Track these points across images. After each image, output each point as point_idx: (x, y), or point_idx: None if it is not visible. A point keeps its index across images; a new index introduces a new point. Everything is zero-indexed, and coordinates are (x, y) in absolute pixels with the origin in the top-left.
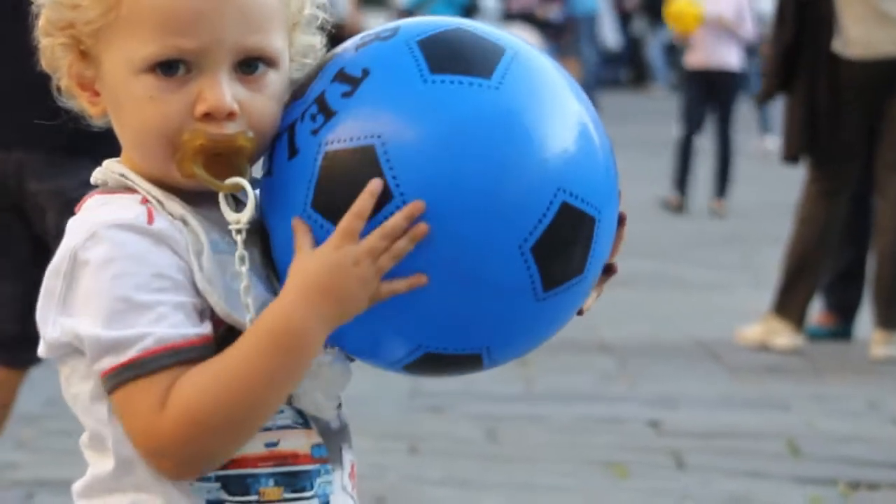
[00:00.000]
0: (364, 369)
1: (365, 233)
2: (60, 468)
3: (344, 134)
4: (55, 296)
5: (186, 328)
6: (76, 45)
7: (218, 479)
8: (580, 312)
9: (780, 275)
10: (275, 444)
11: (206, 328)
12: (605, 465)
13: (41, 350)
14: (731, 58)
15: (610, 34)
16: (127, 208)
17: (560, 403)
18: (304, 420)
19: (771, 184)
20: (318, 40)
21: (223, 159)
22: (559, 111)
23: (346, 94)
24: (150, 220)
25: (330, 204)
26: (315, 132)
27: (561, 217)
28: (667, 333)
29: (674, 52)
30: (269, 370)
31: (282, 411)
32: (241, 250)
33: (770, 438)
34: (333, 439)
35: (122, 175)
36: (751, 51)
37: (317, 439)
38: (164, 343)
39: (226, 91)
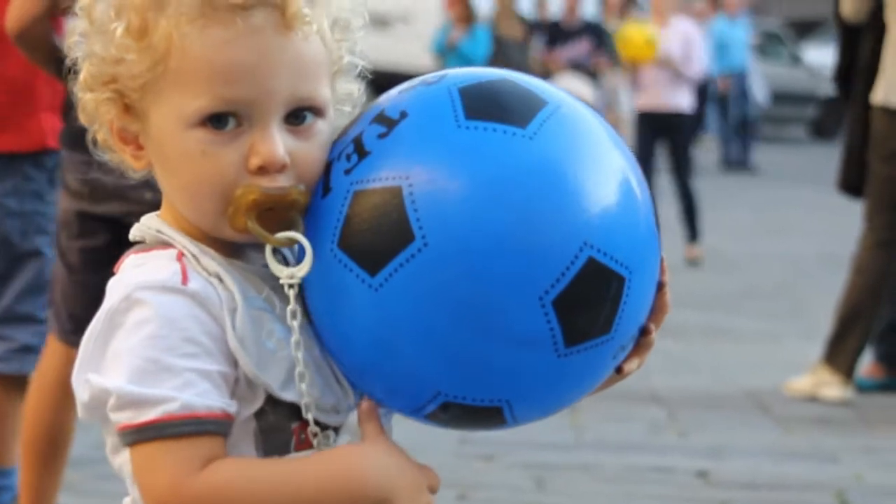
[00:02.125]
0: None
1: (389, 279)
2: None
3: (374, 174)
4: (87, 356)
5: (212, 399)
6: (120, 100)
7: None
8: (619, 371)
9: (831, 325)
10: None
11: (232, 405)
12: None
13: (80, 413)
14: (681, 99)
15: (759, 91)
16: (161, 268)
17: (610, 452)
18: None
19: (823, 235)
20: (357, 88)
21: (275, 213)
22: (595, 166)
23: (381, 136)
24: (185, 280)
25: (356, 243)
26: (348, 172)
27: (586, 272)
28: (717, 384)
29: (726, 102)
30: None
31: None
32: (293, 304)
33: (819, 490)
34: None
35: (159, 231)
36: (703, 90)
37: None
38: (188, 411)
39: (278, 143)
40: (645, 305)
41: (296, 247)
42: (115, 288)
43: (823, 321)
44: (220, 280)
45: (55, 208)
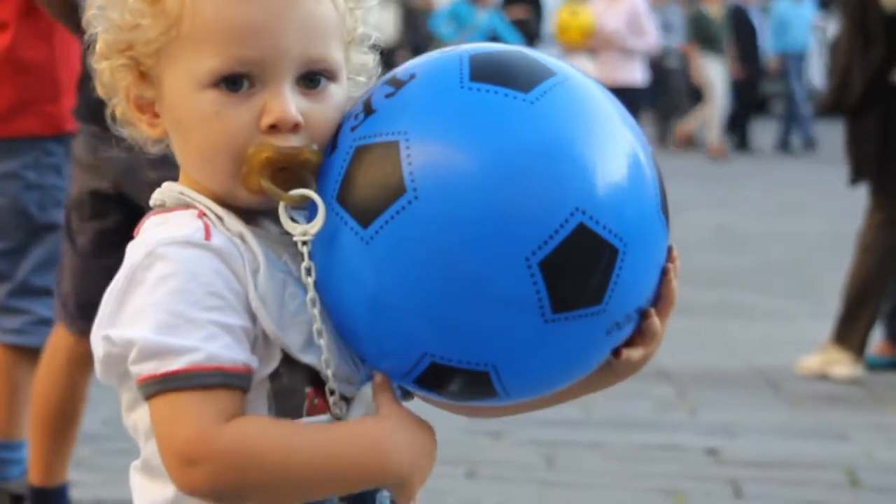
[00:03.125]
0: None
1: (379, 231)
2: (119, 487)
3: (376, 130)
4: (107, 312)
5: (236, 353)
6: (135, 67)
7: None
8: (617, 355)
9: (840, 304)
10: None
11: (254, 360)
12: (662, 492)
13: (97, 372)
14: (632, 73)
15: (818, 73)
16: (184, 225)
17: (618, 431)
18: None
19: (833, 213)
20: (372, 59)
21: (288, 173)
22: (598, 138)
23: (388, 95)
24: (208, 235)
25: (352, 197)
26: (353, 129)
27: (575, 238)
28: (726, 362)
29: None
30: (333, 471)
31: None
32: (308, 261)
33: (829, 468)
34: None
35: (182, 193)
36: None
37: None
38: (214, 362)
39: (290, 102)
40: (644, 284)
41: (306, 209)
42: (137, 246)
43: (835, 300)
44: (243, 240)
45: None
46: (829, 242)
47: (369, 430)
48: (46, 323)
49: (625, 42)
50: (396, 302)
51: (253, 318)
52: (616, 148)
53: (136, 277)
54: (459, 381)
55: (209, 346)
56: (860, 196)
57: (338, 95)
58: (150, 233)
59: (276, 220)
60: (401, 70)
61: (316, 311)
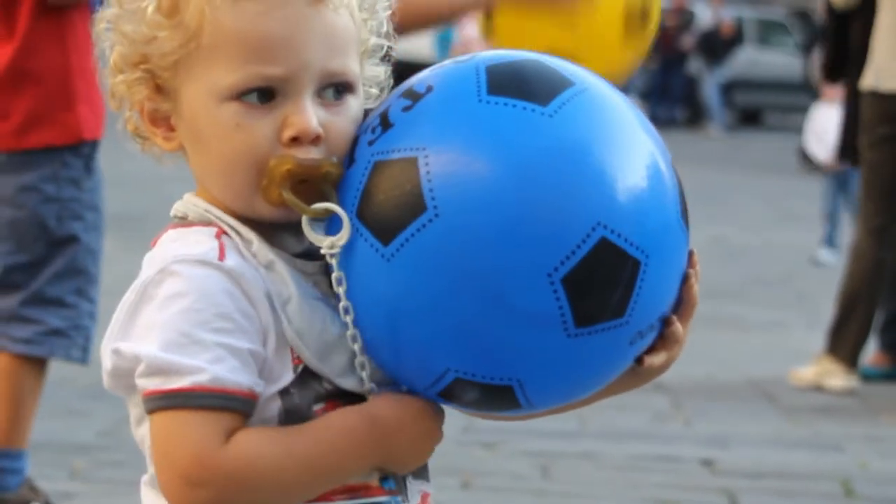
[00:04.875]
0: None
1: (400, 249)
2: (114, 499)
3: (394, 145)
4: (118, 325)
5: (242, 376)
6: (151, 80)
7: None
8: (640, 362)
9: (833, 313)
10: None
11: (259, 384)
12: (658, 503)
13: (105, 383)
14: None
15: None
16: (199, 244)
17: (614, 441)
18: None
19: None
20: (384, 71)
21: (308, 185)
22: (618, 148)
23: (406, 109)
24: (222, 255)
25: (372, 213)
26: (371, 143)
27: (597, 252)
28: (721, 373)
29: (730, 91)
30: (328, 472)
31: None
32: (337, 271)
33: (824, 479)
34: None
35: (207, 211)
36: None
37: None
38: (218, 384)
39: (312, 115)
40: (665, 293)
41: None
42: (152, 260)
43: (829, 311)
44: (272, 269)
45: (91, 195)
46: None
47: (365, 424)
48: (57, 333)
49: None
50: (418, 318)
51: (263, 340)
52: (637, 157)
53: (148, 293)
54: (483, 394)
55: (214, 368)
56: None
57: (355, 107)
58: (165, 248)
59: (296, 234)
60: (417, 81)
61: (349, 320)
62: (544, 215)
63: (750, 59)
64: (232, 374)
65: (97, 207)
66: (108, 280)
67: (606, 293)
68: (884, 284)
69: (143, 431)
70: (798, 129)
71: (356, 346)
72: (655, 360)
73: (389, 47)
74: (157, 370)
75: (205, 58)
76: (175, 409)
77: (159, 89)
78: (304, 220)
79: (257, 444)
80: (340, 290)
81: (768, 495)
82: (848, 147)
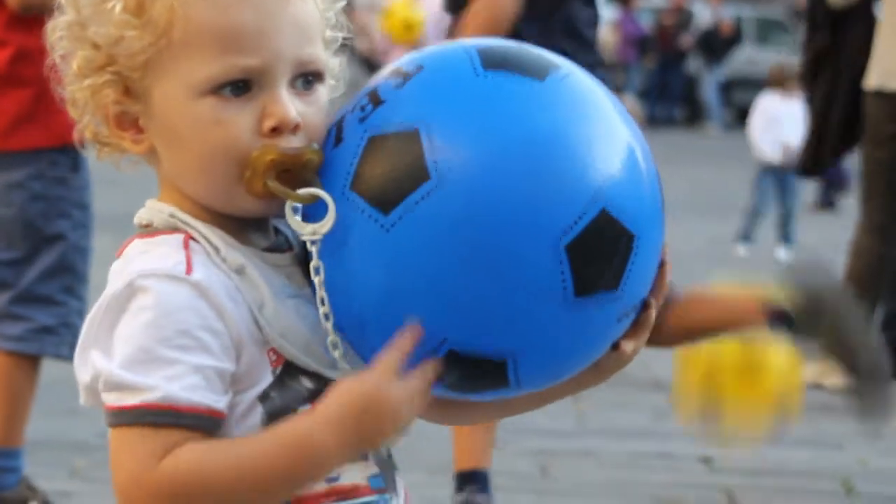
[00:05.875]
0: None
1: (402, 217)
2: (113, 499)
3: (389, 119)
4: (87, 340)
5: (199, 395)
6: (120, 82)
7: None
8: (616, 348)
9: None
10: (335, 480)
11: (220, 402)
12: (657, 501)
13: (82, 399)
14: None
15: None
16: (166, 257)
17: (613, 439)
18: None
19: (828, 222)
20: (339, 62)
21: (291, 174)
22: (608, 129)
23: (397, 86)
24: (189, 269)
25: (369, 185)
26: (362, 119)
27: (599, 222)
28: None
29: (729, 90)
30: (274, 476)
31: None
32: (316, 260)
33: (823, 477)
34: (387, 467)
35: (172, 215)
36: None
37: (373, 469)
38: (167, 402)
39: (290, 104)
40: (649, 274)
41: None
42: (119, 273)
43: None
44: (242, 273)
45: (79, 193)
46: (825, 252)
47: (304, 416)
48: (47, 331)
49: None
50: (418, 288)
51: (237, 352)
52: (623, 141)
53: (112, 306)
54: (474, 370)
55: (168, 387)
56: (855, 202)
57: (324, 96)
58: (132, 262)
59: (262, 230)
60: (404, 62)
61: (325, 310)
62: (549, 185)
63: (749, 58)
64: (186, 393)
65: (85, 205)
66: (102, 279)
67: (604, 263)
68: (884, 283)
69: None
70: None
71: (328, 325)
72: (629, 346)
73: (345, 39)
74: (114, 386)
75: (176, 54)
76: (124, 426)
77: (128, 91)
78: (288, 208)
79: (198, 457)
80: (317, 280)
81: (768, 493)
82: (813, 154)
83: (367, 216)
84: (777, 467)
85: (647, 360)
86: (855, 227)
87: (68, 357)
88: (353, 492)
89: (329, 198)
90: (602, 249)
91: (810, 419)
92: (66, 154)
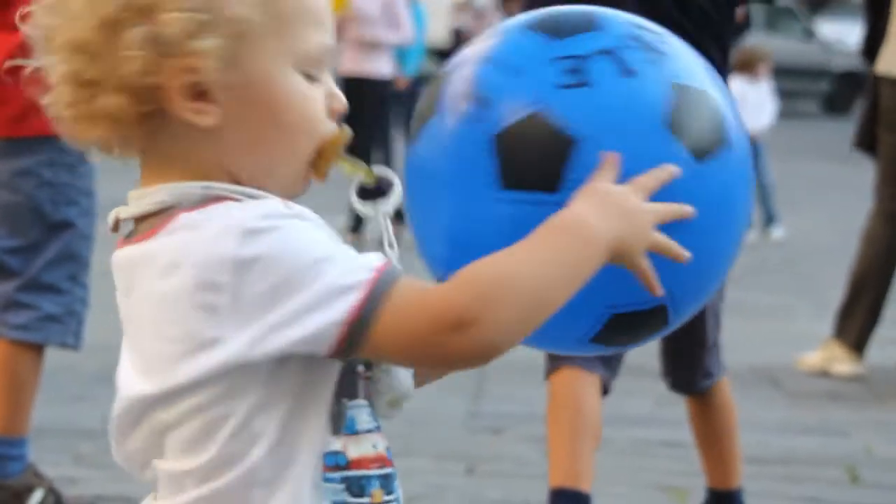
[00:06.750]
0: (421, 391)
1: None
2: (119, 484)
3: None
4: (211, 313)
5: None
6: (215, 51)
7: (343, 480)
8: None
9: (842, 297)
10: (375, 447)
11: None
12: (662, 488)
13: (154, 395)
14: (379, 65)
15: None
16: (258, 204)
17: (618, 426)
18: (378, 424)
19: (835, 209)
20: None
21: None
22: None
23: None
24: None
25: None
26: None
27: None
28: (727, 358)
29: None
30: (555, 253)
31: (370, 413)
32: (391, 235)
33: (829, 465)
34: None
35: (207, 187)
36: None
37: (387, 442)
38: (381, 268)
39: None
40: None
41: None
42: (212, 237)
43: (835, 296)
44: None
45: (86, 180)
46: (830, 238)
47: (562, 215)
48: (52, 319)
49: (376, 32)
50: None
51: None
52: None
53: (244, 257)
54: (637, 326)
55: (369, 261)
56: (863, 190)
57: None
58: (219, 219)
59: None
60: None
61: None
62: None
63: (758, 45)
64: (371, 259)
65: (91, 193)
66: (105, 264)
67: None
68: (894, 270)
69: (196, 425)
70: (805, 115)
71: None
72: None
73: None
74: (338, 291)
75: (279, 28)
76: (380, 307)
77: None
78: (354, 187)
79: (473, 267)
80: (392, 254)
81: (774, 481)
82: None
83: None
84: (783, 455)
85: (653, 349)
86: (868, 214)
87: (73, 346)
88: (385, 461)
89: (395, 177)
90: None
91: (817, 407)
92: None
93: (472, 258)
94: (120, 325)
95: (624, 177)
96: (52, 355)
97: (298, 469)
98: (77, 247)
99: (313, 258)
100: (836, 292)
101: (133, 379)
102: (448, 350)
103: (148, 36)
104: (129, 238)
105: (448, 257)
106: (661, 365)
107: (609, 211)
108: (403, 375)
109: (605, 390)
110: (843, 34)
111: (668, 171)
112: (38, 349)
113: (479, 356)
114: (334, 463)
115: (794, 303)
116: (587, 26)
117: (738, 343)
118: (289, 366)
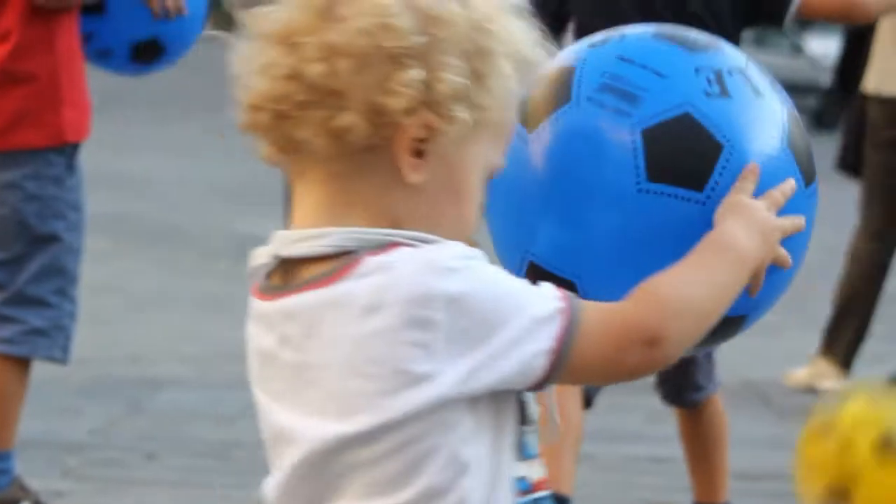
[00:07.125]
0: None
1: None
2: (105, 497)
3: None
4: (423, 349)
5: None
6: (455, 121)
7: (533, 503)
8: None
9: (829, 315)
10: (541, 469)
11: None
12: None
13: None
14: None
15: None
16: (446, 245)
17: (608, 442)
18: None
19: (823, 226)
20: None
21: None
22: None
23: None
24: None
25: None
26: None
27: None
28: None
29: None
30: (720, 274)
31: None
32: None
33: None
34: None
35: (388, 235)
36: None
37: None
38: (562, 296)
39: None
40: None
41: None
42: (408, 278)
43: (823, 312)
44: None
45: (74, 194)
46: (818, 255)
47: (719, 235)
48: (39, 333)
49: None
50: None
51: None
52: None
53: (450, 294)
54: (719, 331)
55: (551, 291)
56: (849, 207)
57: None
58: (414, 260)
59: None
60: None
61: None
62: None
63: None
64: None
65: (79, 207)
66: (95, 278)
67: None
68: (881, 288)
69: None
70: None
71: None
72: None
73: None
74: (543, 321)
75: (493, 129)
76: (577, 330)
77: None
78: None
79: (651, 284)
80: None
81: (762, 497)
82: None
83: (679, 199)
84: (771, 471)
85: None
86: (854, 232)
87: (61, 360)
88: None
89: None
90: None
91: (805, 423)
92: (63, 154)
93: (597, 240)
94: (110, 338)
95: (758, 190)
96: (39, 368)
97: (502, 494)
98: (65, 260)
99: (507, 292)
100: (823, 308)
101: (319, 422)
102: (632, 365)
103: (425, 82)
104: (290, 283)
105: (570, 239)
106: (654, 376)
107: (753, 229)
108: (531, 396)
109: (589, 402)
110: (831, 50)
111: (791, 185)
112: (23, 363)
113: (657, 369)
114: (522, 487)
115: (781, 318)
116: (714, 45)
117: (725, 358)
118: (483, 396)
